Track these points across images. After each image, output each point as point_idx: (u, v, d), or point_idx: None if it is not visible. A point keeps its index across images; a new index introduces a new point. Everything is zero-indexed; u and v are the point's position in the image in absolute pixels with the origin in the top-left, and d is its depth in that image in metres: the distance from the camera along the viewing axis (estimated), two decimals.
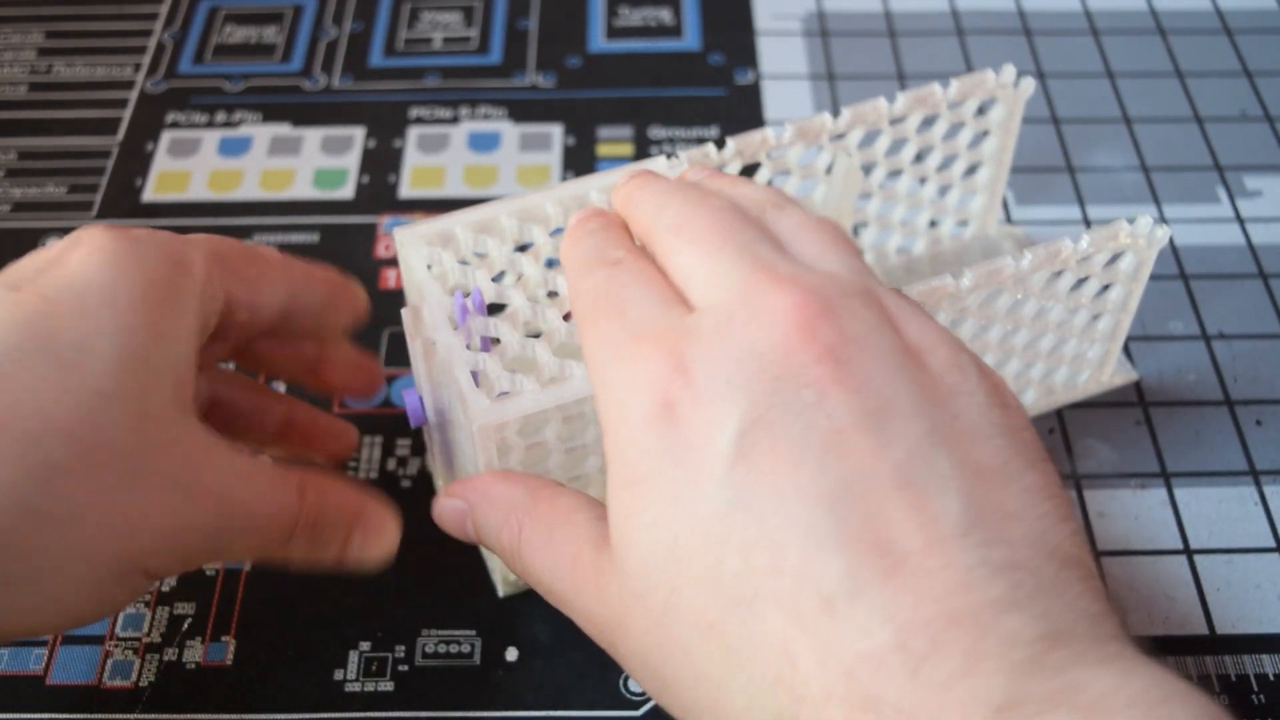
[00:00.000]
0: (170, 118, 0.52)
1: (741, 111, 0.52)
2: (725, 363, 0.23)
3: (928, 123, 0.41)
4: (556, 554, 0.27)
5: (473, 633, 0.36)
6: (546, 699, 0.35)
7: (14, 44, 0.55)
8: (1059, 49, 0.55)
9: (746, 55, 0.55)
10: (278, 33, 0.56)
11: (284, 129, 0.51)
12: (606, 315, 0.26)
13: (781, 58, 0.54)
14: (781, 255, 0.26)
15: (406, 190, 0.49)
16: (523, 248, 0.34)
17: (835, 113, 0.38)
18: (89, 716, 0.34)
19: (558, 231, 0.34)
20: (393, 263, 0.46)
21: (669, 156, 0.36)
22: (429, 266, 0.33)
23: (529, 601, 0.37)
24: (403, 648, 0.36)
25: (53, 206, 0.48)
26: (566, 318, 0.32)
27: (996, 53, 0.55)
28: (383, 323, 0.43)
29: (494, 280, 0.33)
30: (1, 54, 0.55)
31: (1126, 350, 0.43)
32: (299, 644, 0.36)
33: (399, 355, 0.43)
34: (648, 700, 0.35)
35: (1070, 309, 0.38)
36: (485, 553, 0.37)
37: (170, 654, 0.36)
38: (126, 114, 0.52)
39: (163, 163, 0.50)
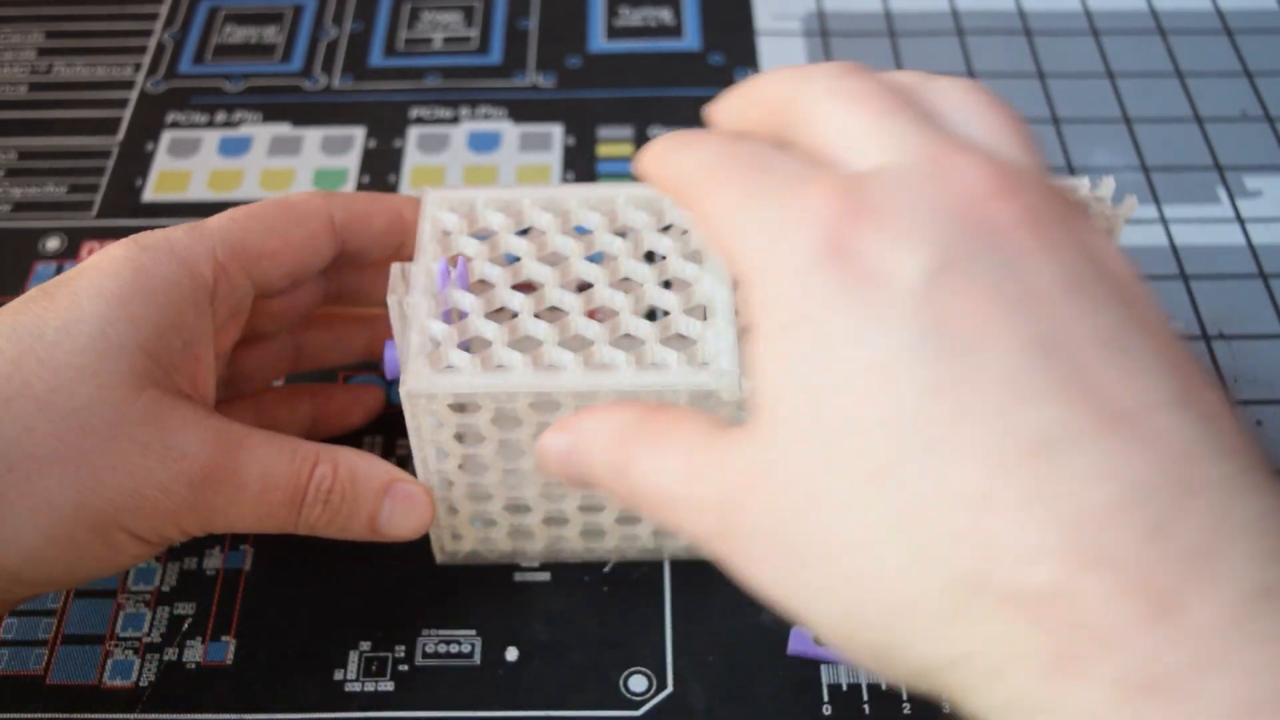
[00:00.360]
0: (170, 118, 0.52)
1: None
2: (914, 205, 0.21)
3: None
4: (669, 449, 0.25)
5: (473, 633, 0.36)
6: (546, 699, 0.35)
7: (14, 44, 0.55)
8: (1059, 49, 0.55)
9: (746, 55, 0.55)
10: (278, 33, 0.56)
11: (284, 129, 0.51)
12: (743, 171, 0.24)
13: (782, 58, 0.54)
14: (957, 131, 0.23)
15: (406, 190, 0.49)
16: (524, 231, 0.34)
17: None
18: (89, 716, 0.34)
19: (580, 230, 0.34)
20: None
21: None
22: (445, 233, 0.34)
23: (529, 601, 0.37)
24: (403, 648, 0.36)
25: (53, 206, 0.48)
26: (545, 314, 0.32)
27: (997, 53, 0.55)
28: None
29: (498, 264, 0.33)
30: (1, 54, 0.55)
31: None
32: (299, 644, 0.36)
33: None
34: (648, 700, 0.35)
35: None
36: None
37: (170, 654, 0.36)
38: (126, 114, 0.52)
39: (163, 163, 0.50)
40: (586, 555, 0.38)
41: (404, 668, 0.35)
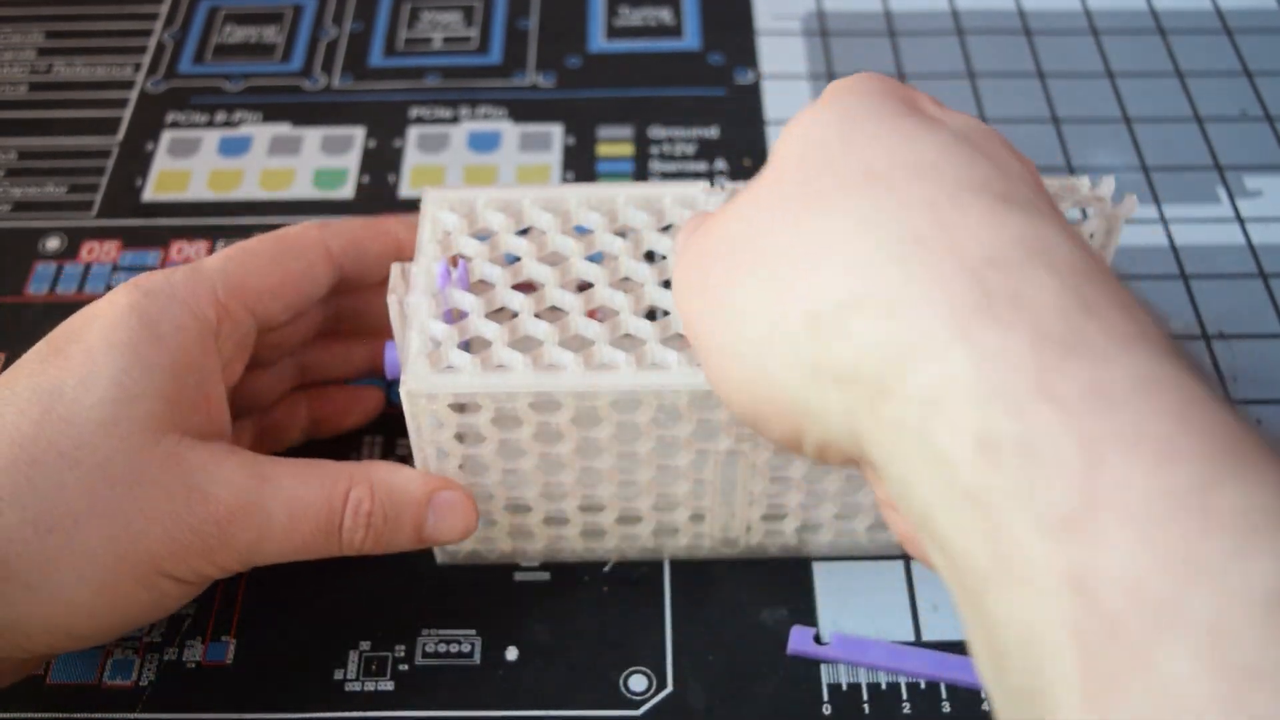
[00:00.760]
0: (170, 118, 0.52)
1: (742, 111, 0.52)
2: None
3: None
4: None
5: (473, 633, 0.36)
6: (546, 699, 0.35)
7: (14, 44, 0.55)
8: (1059, 49, 0.55)
9: (746, 55, 0.55)
10: (278, 33, 0.56)
11: (284, 129, 0.51)
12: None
13: (781, 58, 0.54)
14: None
15: (406, 190, 0.49)
16: (524, 231, 0.34)
17: None
18: (89, 716, 0.34)
19: (580, 230, 0.34)
20: None
21: (711, 184, 0.35)
22: (446, 233, 0.34)
23: (529, 601, 0.37)
24: (403, 648, 0.36)
25: (53, 206, 0.48)
26: (545, 314, 0.32)
27: (997, 53, 0.55)
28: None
29: (498, 264, 0.33)
30: (1, 54, 0.55)
31: None
32: (299, 644, 0.36)
33: None
34: (647, 700, 0.35)
35: None
36: None
37: (170, 654, 0.36)
38: (126, 114, 0.52)
39: (163, 162, 0.50)
40: (586, 555, 0.38)
41: (404, 668, 0.35)
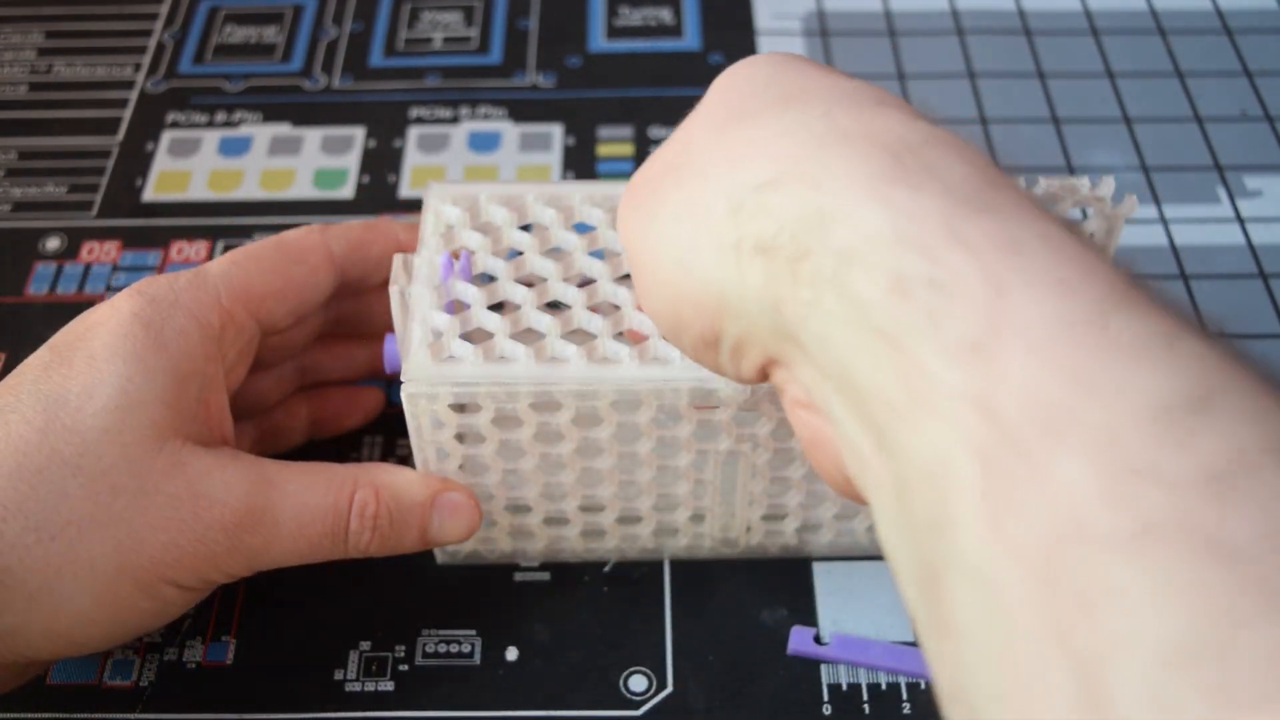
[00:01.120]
0: (170, 118, 0.52)
1: None
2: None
3: None
4: None
5: (473, 633, 0.36)
6: (546, 699, 0.35)
7: (14, 44, 0.55)
8: (1059, 49, 0.55)
9: (746, 55, 0.54)
10: (278, 33, 0.56)
11: (284, 129, 0.51)
12: None
13: None
14: None
15: (407, 190, 0.49)
16: (526, 227, 0.34)
17: None
18: (89, 716, 0.34)
19: (581, 228, 0.34)
20: None
21: None
22: (448, 226, 0.34)
23: (529, 601, 0.37)
24: (403, 648, 0.36)
25: (53, 206, 0.48)
26: (550, 306, 0.32)
27: (997, 53, 0.55)
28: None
29: (502, 258, 0.33)
30: (1, 54, 0.55)
31: None
32: (299, 644, 0.36)
33: None
34: (647, 700, 0.35)
35: None
36: None
37: (170, 654, 0.36)
38: (126, 114, 0.52)
39: (163, 162, 0.50)
40: (586, 555, 0.38)
41: (404, 668, 0.35)
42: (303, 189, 0.49)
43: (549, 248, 0.34)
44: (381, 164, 0.50)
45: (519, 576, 0.37)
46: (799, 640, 0.36)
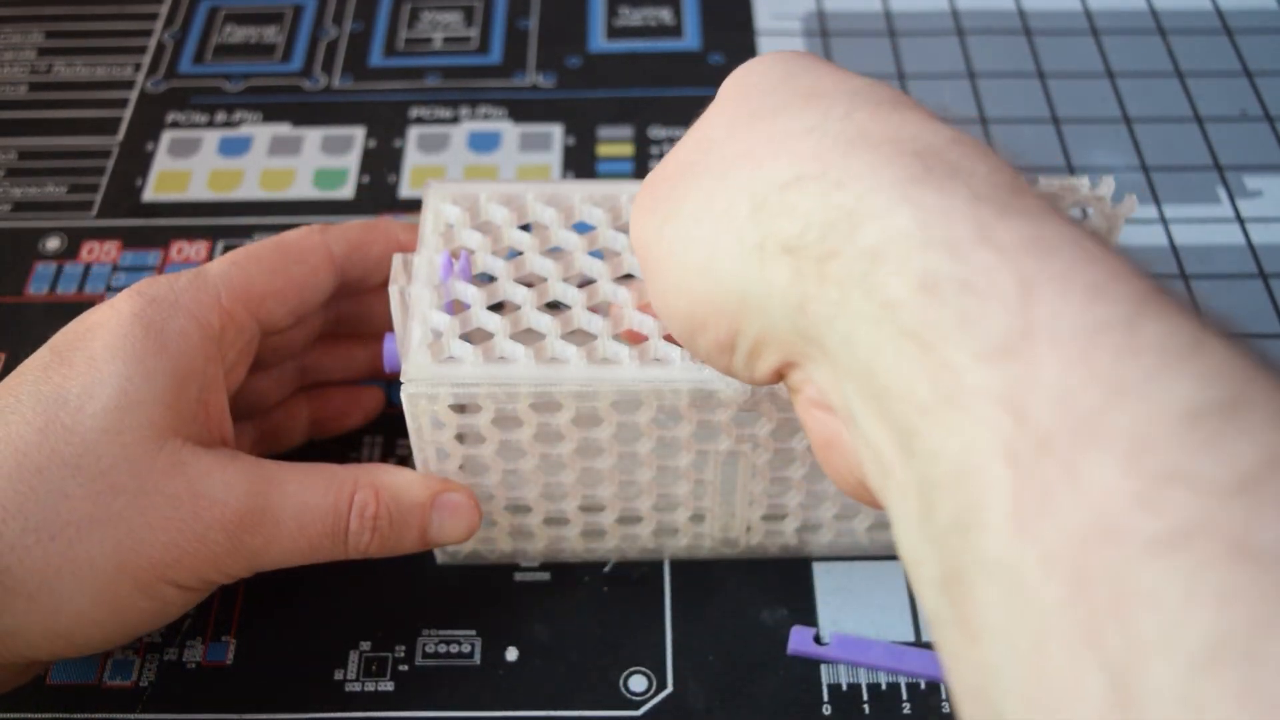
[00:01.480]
0: (170, 118, 0.52)
1: None
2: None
3: None
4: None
5: (473, 633, 0.36)
6: (546, 699, 0.35)
7: (14, 44, 0.55)
8: (1059, 49, 0.55)
9: (746, 55, 0.54)
10: (278, 33, 0.56)
11: (284, 129, 0.51)
12: None
13: None
14: None
15: (407, 190, 0.49)
16: (525, 226, 0.34)
17: None
18: (89, 716, 0.34)
19: (581, 227, 0.34)
20: None
21: None
22: (448, 225, 0.34)
23: (529, 601, 0.37)
24: (403, 648, 0.36)
25: (53, 206, 0.48)
26: (550, 306, 0.32)
27: (997, 53, 0.55)
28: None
29: (502, 258, 0.33)
30: (1, 54, 0.55)
31: None
32: (299, 644, 0.36)
33: None
34: (647, 700, 0.35)
35: None
36: None
37: (170, 654, 0.36)
38: (126, 114, 0.52)
39: (163, 162, 0.50)
40: (586, 555, 0.38)
41: (404, 668, 0.35)
42: (303, 189, 0.49)
43: (549, 247, 0.34)
44: (381, 164, 0.50)
45: (519, 576, 0.37)
46: (799, 640, 0.36)
